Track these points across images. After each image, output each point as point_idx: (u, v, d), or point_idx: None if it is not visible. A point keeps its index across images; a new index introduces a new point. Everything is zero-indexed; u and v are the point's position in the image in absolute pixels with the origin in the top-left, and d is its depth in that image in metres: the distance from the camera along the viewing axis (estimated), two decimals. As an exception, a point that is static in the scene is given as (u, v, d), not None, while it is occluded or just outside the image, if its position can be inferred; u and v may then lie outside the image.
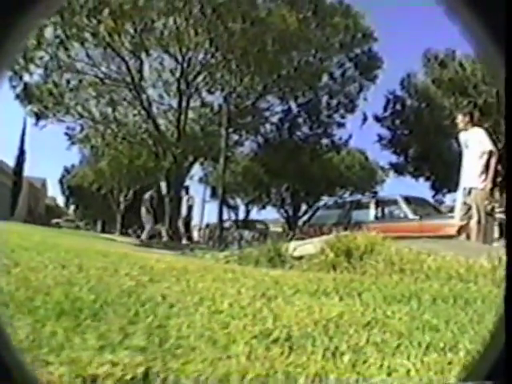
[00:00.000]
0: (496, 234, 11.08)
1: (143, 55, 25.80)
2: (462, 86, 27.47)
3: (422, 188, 34.52)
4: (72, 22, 22.58)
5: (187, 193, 19.48)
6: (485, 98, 26.56)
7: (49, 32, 23.02)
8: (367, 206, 15.46)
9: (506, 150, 1.17)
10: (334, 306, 2.70)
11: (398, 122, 31.86)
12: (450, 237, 9.07)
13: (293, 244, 6.15)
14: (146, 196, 16.88)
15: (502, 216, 12.58)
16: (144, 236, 16.28)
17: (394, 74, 35.72)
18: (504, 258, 3.54)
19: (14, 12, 1.09)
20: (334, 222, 15.00)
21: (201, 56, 26.04)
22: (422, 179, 32.24)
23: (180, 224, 19.35)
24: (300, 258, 5.67)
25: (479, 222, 8.19)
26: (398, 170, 33.12)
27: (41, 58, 24.17)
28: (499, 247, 7.05)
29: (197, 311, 2.40)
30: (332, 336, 2.06)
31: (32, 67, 24.35)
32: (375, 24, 28.34)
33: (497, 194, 9.25)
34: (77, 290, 2.65)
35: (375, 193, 31.60)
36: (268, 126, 31.63)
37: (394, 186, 43.99)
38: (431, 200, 24.78)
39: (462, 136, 8.82)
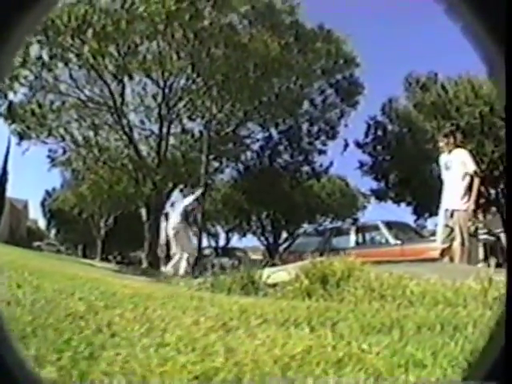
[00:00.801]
0: (481, 256, 11.07)
1: (126, 79, 25.64)
2: (444, 109, 27.67)
3: (403, 213, 34.87)
4: (57, 41, 22.40)
5: (167, 219, 19.26)
6: (467, 119, 26.82)
7: (34, 50, 22.91)
8: (347, 233, 15.67)
9: (506, 150, 1.15)
10: (302, 339, 2.39)
11: (379, 147, 31.88)
12: (432, 260, 9.08)
13: (267, 271, 5.90)
14: None
15: (487, 237, 12.61)
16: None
17: (376, 100, 36.40)
18: (494, 278, 3.42)
19: (14, 12, 1.09)
20: (314, 249, 14.97)
21: (182, 81, 26.00)
22: (403, 204, 32.30)
23: (159, 251, 19.09)
24: (274, 285, 5.42)
25: (463, 243, 8.14)
26: (380, 196, 33.08)
27: (25, 77, 23.93)
28: (485, 268, 6.93)
29: (139, 342, 2.15)
30: (293, 378, 1.75)
31: (16, 86, 24.00)
32: (357, 49, 28.42)
33: (480, 216, 9.20)
34: (19, 310, 2.60)
35: (356, 219, 31.73)
36: (249, 154, 31.62)
37: (376, 212, 44.42)
38: (413, 225, 24.86)
39: (444, 158, 8.80)
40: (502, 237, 30.18)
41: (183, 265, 12.50)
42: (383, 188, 32.67)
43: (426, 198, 26.40)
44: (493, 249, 12.67)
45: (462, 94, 27.42)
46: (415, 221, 31.34)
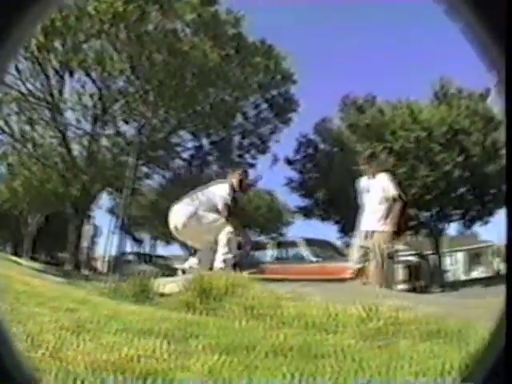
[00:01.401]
0: (401, 277, 11.19)
1: (67, 75, 25.41)
2: (379, 132, 28.21)
3: (329, 231, 35.02)
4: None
5: (90, 222, 18.95)
6: (402, 143, 27.43)
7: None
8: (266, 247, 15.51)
9: (506, 150, 1.17)
10: (133, 348, 2.49)
11: (309, 165, 32.15)
12: (350, 279, 9.06)
13: (162, 280, 5.92)
14: None
15: (411, 258, 12.79)
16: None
17: (309, 118, 36.75)
18: (379, 308, 3.37)
19: (14, 11, 1.09)
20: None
21: (121, 83, 25.91)
22: (330, 222, 32.60)
23: (82, 253, 18.79)
24: (167, 295, 5.44)
25: (379, 265, 8.12)
26: (307, 213, 33.32)
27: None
28: (397, 292, 7.00)
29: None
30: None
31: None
32: (296, 66, 28.33)
33: (402, 238, 9.32)
34: None
35: (281, 234, 31.88)
36: (179, 162, 31.25)
37: (303, 229, 44.70)
38: (337, 243, 25.14)
39: (365, 181, 8.81)
40: (431, 258, 30.86)
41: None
42: (310, 205, 32.95)
43: (352, 216, 26.72)
44: (418, 271, 12.83)
45: (399, 118, 27.98)
46: (340, 239, 31.70)
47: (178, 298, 4.97)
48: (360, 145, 26.96)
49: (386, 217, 8.29)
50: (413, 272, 12.13)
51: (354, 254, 8.60)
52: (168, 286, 5.67)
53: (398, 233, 8.49)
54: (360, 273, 8.41)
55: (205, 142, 30.30)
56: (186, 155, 30.93)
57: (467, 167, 27.95)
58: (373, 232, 8.28)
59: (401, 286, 10.77)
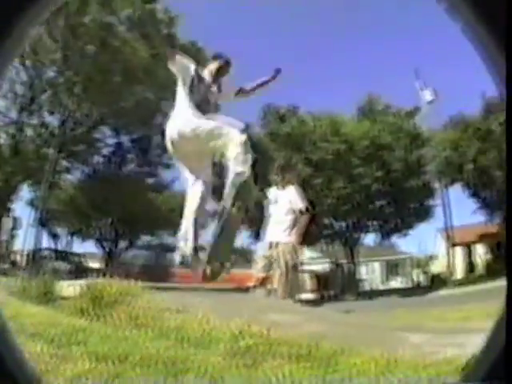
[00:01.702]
0: (309, 286, 11.29)
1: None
2: (299, 142, 28.42)
3: (243, 237, 34.72)
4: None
5: (9, 214, 18.53)
6: (321, 154, 27.85)
7: None
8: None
9: (506, 151, 1.19)
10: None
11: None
12: (248, 288, 9.24)
13: (66, 283, 6.02)
14: None
15: (319, 268, 12.88)
16: None
17: None
18: (252, 326, 3.45)
19: (14, 11, 1.12)
20: (145, 262, 14.73)
21: (51, 73, 25.42)
22: (243, 227, 32.49)
23: (1, 246, 18.36)
24: (68, 298, 5.56)
25: (283, 275, 8.24)
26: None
27: None
28: (285, 306, 7.18)
29: None
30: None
31: None
32: None
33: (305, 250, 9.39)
34: None
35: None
36: (98, 158, 31.01)
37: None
38: (251, 248, 25.15)
39: (273, 191, 8.90)
40: (346, 267, 31.29)
41: None
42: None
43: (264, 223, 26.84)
44: (327, 280, 12.71)
45: (320, 130, 28.31)
46: (253, 245, 31.68)
47: (73, 302, 5.08)
48: (278, 153, 27.06)
49: (292, 228, 8.43)
50: (322, 281, 12.04)
51: (259, 263, 8.61)
52: (69, 289, 5.77)
53: (302, 244, 8.76)
54: (264, 282, 8.46)
55: (125, 139, 30.25)
56: (106, 151, 30.70)
57: (387, 181, 28.49)
58: (277, 243, 8.38)
59: (307, 296, 10.79)
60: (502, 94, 1.19)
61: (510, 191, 1.24)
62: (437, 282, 34.27)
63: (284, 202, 8.63)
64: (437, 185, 31.86)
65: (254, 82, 6.19)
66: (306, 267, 11.47)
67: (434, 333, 4.59)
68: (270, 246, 8.50)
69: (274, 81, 6.01)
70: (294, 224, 8.50)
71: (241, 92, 6.15)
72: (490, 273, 31.47)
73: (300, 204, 8.56)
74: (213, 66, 5.77)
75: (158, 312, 4.72)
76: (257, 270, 8.62)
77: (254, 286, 8.87)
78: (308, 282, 11.24)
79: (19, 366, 1.23)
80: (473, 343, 1.81)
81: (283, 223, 8.52)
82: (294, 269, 8.43)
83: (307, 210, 8.63)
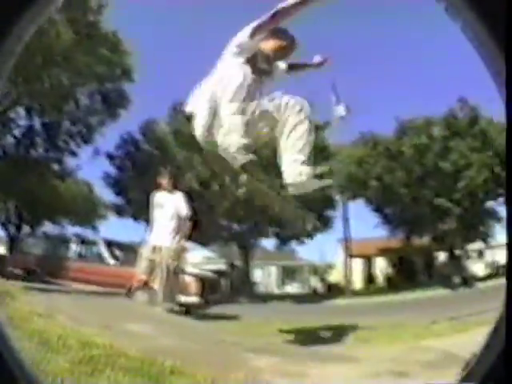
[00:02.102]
0: (194, 290, 11.43)
1: None
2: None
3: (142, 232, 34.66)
4: None
5: None
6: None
7: None
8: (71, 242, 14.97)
9: (506, 152, 1.21)
10: None
11: (128, 163, 32.34)
12: (131, 288, 9.55)
13: None
14: None
15: (205, 272, 12.94)
16: None
17: (138, 118, 35.76)
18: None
19: (14, 11, 1.16)
20: (43, 252, 14.52)
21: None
22: (143, 223, 32.16)
23: None
24: None
25: (163, 279, 8.50)
26: (119, 210, 33.27)
27: None
28: (160, 315, 7.36)
29: None
30: None
31: None
32: (139, 65, 27.85)
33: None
34: None
35: (94, 227, 31.53)
36: (10, 139, 29.92)
37: (117, 226, 43.47)
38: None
39: (159, 195, 9.13)
40: (240, 270, 31.60)
41: None
42: (124, 203, 33.00)
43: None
44: (213, 284, 12.77)
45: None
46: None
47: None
48: (179, 152, 27.70)
49: (176, 233, 8.79)
50: (207, 285, 12.07)
51: (141, 265, 8.84)
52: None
53: (185, 249, 9.15)
54: (146, 284, 8.79)
55: (37, 122, 29.52)
56: (17, 133, 29.77)
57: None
58: (160, 247, 8.68)
59: (189, 299, 10.92)
60: (501, 95, 1.21)
61: (510, 192, 1.26)
62: (334, 290, 35.27)
63: (170, 207, 8.94)
64: (338, 197, 32.86)
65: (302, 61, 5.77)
66: (194, 270, 11.60)
67: (284, 356, 4.69)
68: (154, 249, 8.74)
69: (316, 68, 5.67)
70: (178, 229, 8.86)
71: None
72: (392, 286, 32.77)
73: (185, 210, 8.96)
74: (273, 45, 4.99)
75: (27, 314, 4.63)
76: (140, 272, 8.87)
77: (135, 288, 9.16)
78: (192, 285, 11.33)
79: (19, 366, 1.24)
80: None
81: (167, 227, 8.83)
82: (175, 272, 8.76)
83: (191, 217, 9.04)
